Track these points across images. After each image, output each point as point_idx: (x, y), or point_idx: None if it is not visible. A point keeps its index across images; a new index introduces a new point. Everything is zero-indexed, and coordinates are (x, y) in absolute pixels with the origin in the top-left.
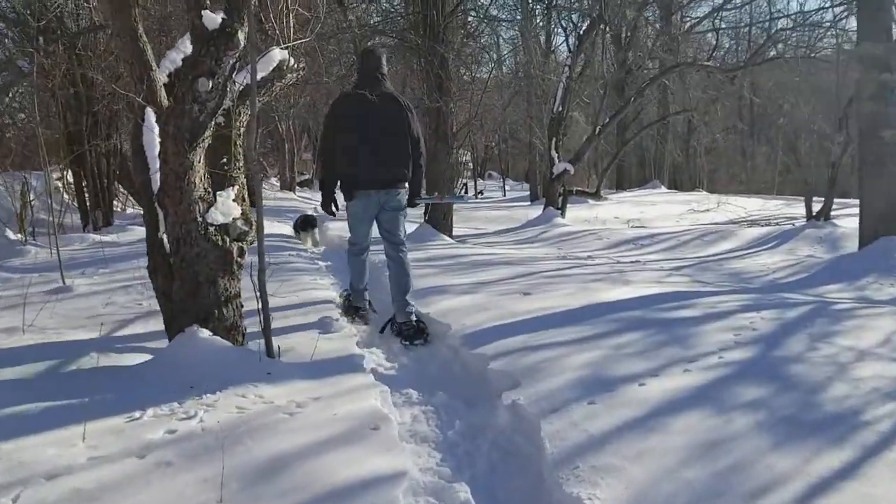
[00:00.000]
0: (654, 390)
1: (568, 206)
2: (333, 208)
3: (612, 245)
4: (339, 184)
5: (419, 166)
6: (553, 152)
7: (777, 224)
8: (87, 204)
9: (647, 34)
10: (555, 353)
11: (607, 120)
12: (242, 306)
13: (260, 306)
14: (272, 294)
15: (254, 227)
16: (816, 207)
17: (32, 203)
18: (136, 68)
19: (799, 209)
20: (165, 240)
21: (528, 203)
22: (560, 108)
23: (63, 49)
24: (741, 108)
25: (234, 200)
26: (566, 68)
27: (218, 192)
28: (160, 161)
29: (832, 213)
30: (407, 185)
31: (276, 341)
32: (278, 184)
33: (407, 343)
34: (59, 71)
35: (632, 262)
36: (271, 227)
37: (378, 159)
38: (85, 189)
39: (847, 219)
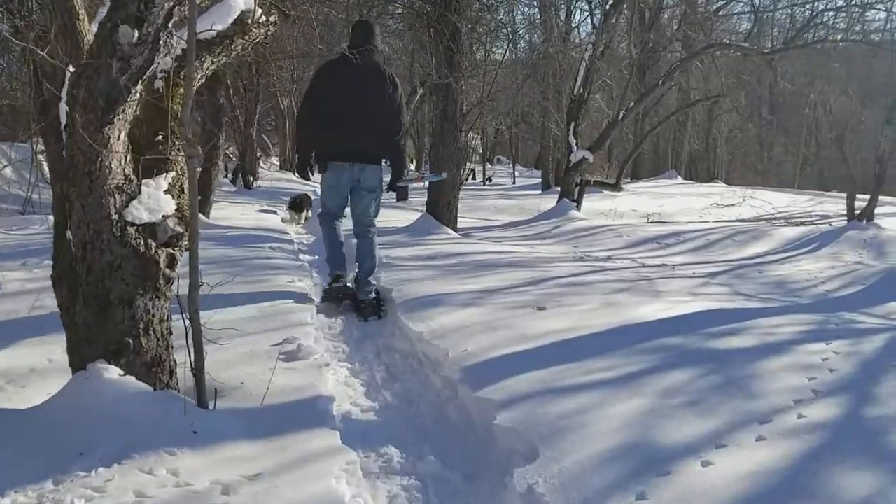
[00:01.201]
0: (722, 474)
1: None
2: (309, 172)
3: (634, 244)
4: (314, 153)
5: (397, 144)
6: (571, 138)
7: (812, 223)
8: None
9: (673, 14)
10: (582, 402)
11: (632, 104)
12: (171, 333)
13: (190, 336)
14: (230, 304)
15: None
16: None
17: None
18: (59, 15)
19: (830, 206)
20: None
21: (540, 192)
22: (581, 90)
23: (38, 7)
24: (761, 97)
25: (167, 192)
26: (590, 46)
27: (145, 181)
28: (66, 137)
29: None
30: (383, 161)
31: (220, 376)
32: (278, 163)
33: (362, 319)
34: (33, 32)
35: (658, 265)
36: (257, 211)
37: (354, 131)
38: None
39: (889, 219)
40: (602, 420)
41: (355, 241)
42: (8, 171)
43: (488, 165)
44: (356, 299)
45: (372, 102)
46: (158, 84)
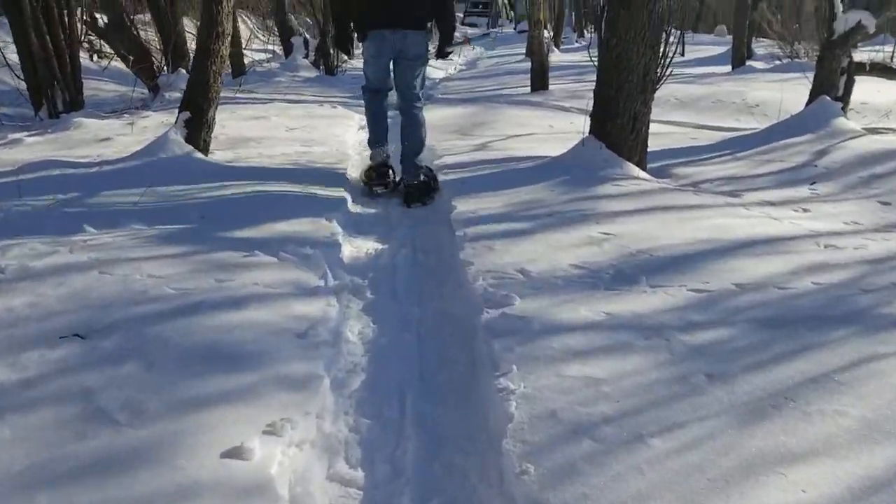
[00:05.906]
0: None
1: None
2: (349, 46)
3: None
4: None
5: (442, 3)
6: None
7: None
8: (37, 76)
9: None
10: None
11: None
12: None
13: None
14: None
15: None
16: None
17: None
18: None
19: None
20: None
21: (730, 70)
22: None
23: None
24: None
25: None
26: None
27: None
28: None
29: None
30: (426, 27)
31: None
32: None
33: (407, 206)
34: None
35: None
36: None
37: None
38: (32, 53)
39: None
40: None
41: (401, 117)
42: None
43: None
44: (403, 184)
45: None
46: None
